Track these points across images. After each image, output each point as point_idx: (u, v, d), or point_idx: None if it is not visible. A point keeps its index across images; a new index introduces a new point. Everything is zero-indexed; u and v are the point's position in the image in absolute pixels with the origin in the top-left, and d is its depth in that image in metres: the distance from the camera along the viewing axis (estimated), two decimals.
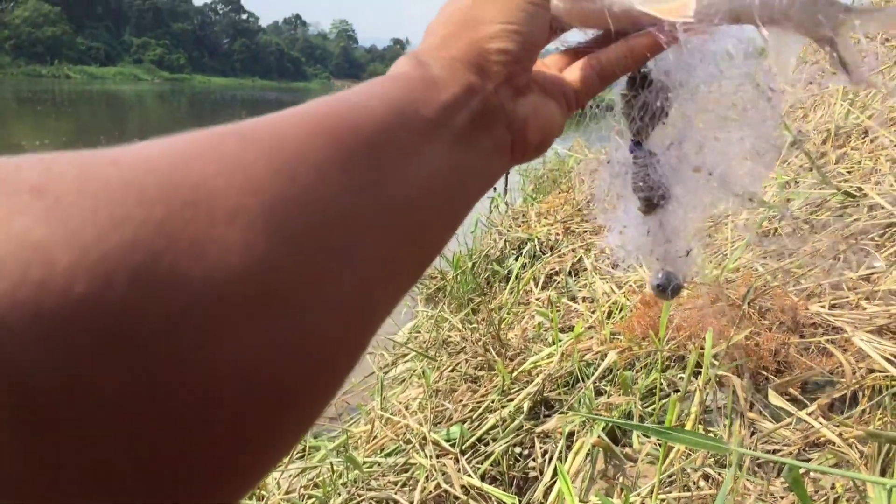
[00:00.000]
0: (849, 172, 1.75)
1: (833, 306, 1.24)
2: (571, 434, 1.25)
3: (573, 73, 0.51)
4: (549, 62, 0.53)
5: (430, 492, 1.31)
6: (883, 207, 1.47)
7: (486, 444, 1.39)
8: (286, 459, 1.85)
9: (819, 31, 0.54)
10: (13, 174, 0.24)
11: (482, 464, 1.33)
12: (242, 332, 0.26)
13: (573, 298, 1.95)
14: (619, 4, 0.52)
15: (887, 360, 1.06)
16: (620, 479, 1.16)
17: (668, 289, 0.65)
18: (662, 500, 1.05)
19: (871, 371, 1.06)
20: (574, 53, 0.53)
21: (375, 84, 0.39)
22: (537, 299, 2.14)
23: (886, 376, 1.03)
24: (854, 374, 1.07)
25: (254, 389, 0.27)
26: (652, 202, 0.59)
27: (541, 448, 1.31)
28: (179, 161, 0.28)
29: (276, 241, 0.28)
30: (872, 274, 1.30)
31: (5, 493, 0.21)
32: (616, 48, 0.52)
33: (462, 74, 0.42)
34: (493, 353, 1.69)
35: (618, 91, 0.57)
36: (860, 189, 1.60)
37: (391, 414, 1.71)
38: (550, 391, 1.42)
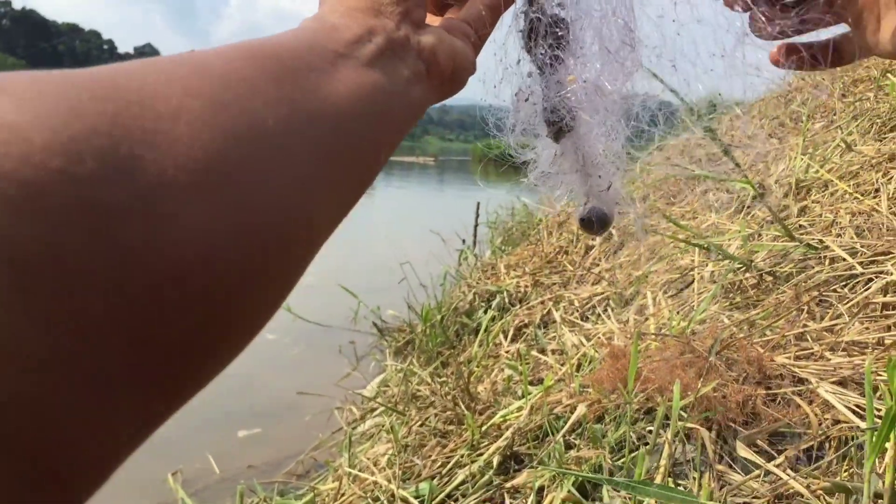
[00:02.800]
0: (810, 225, 1.79)
1: (798, 357, 1.26)
2: (542, 489, 1.23)
3: (466, 12, 0.56)
4: (448, 14, 0.58)
5: None
6: (844, 259, 1.50)
7: (456, 501, 1.36)
8: None
9: None
10: None
11: None
12: (199, 208, 0.29)
13: (542, 351, 1.95)
14: None
15: (852, 410, 1.07)
16: None
17: (591, 221, 0.66)
18: None
19: (837, 422, 1.07)
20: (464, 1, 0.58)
21: (282, 33, 0.43)
22: (507, 352, 2.14)
23: (851, 427, 1.04)
24: (820, 425, 1.07)
25: (214, 258, 0.30)
26: (556, 126, 0.61)
27: None
28: (119, 74, 0.31)
29: (218, 136, 0.31)
30: (835, 325, 1.31)
31: (7, 343, 0.23)
32: None
33: (361, 19, 0.46)
34: (463, 406, 1.68)
35: (515, 27, 0.60)
36: (821, 241, 1.63)
37: (359, 470, 1.69)
38: (520, 445, 1.41)
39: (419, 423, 1.80)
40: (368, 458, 1.77)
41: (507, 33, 0.60)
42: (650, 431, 1.22)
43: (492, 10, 0.57)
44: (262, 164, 0.33)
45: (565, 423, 1.36)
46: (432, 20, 0.56)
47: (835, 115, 2.47)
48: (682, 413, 1.17)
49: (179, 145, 0.29)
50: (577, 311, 2.14)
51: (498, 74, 0.62)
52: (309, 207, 0.37)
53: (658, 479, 1.08)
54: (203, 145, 0.30)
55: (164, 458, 2.38)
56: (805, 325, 1.33)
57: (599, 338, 1.79)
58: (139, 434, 0.29)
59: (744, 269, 1.68)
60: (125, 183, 0.27)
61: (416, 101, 0.48)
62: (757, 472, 1.05)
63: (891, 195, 1.72)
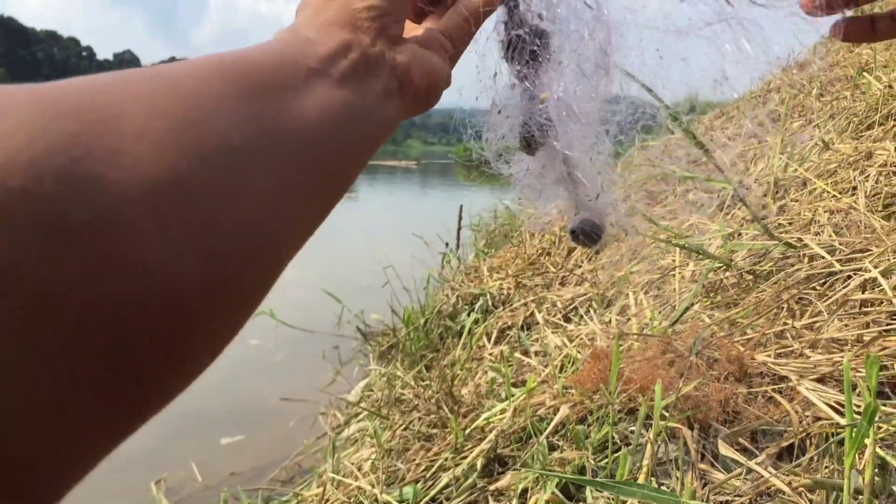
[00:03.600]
0: (789, 223, 1.80)
1: (779, 355, 1.26)
2: (525, 491, 1.23)
3: (443, 23, 0.56)
4: (425, 25, 0.58)
5: None
6: (823, 257, 1.51)
7: None
8: None
9: None
10: None
11: None
12: (164, 227, 0.29)
13: (526, 353, 1.95)
14: None
15: (832, 407, 1.07)
16: None
17: (582, 233, 0.66)
18: None
19: (818, 419, 1.08)
20: (444, 11, 0.58)
21: (257, 46, 0.43)
22: (490, 354, 2.14)
23: (832, 424, 1.04)
24: (801, 422, 1.08)
25: (181, 276, 0.30)
26: (528, 140, 0.61)
27: None
28: (86, 90, 0.31)
29: (184, 155, 0.31)
30: (815, 322, 1.32)
31: None
32: None
33: (337, 33, 0.46)
34: (447, 409, 1.67)
35: (495, 38, 0.60)
36: (800, 240, 1.64)
37: (343, 476, 1.68)
38: (504, 447, 1.41)
39: (403, 427, 1.80)
40: (352, 463, 1.77)
41: (485, 44, 0.60)
42: (633, 431, 1.22)
43: (472, 21, 0.56)
44: (228, 183, 0.33)
45: (548, 424, 1.36)
46: (411, 28, 0.56)
47: (812, 114, 2.49)
48: (665, 412, 1.17)
49: (143, 164, 0.29)
50: (560, 312, 2.14)
51: (475, 85, 0.62)
52: (275, 226, 0.37)
53: (641, 479, 1.09)
54: (167, 165, 0.30)
55: (148, 467, 2.37)
56: (785, 324, 1.34)
57: (582, 339, 1.79)
58: (102, 448, 0.29)
59: (724, 268, 1.69)
60: (85, 201, 0.27)
61: (387, 117, 0.48)
62: (739, 470, 1.05)
63: (868, 193, 1.74)
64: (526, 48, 0.58)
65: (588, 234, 0.65)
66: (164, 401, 0.32)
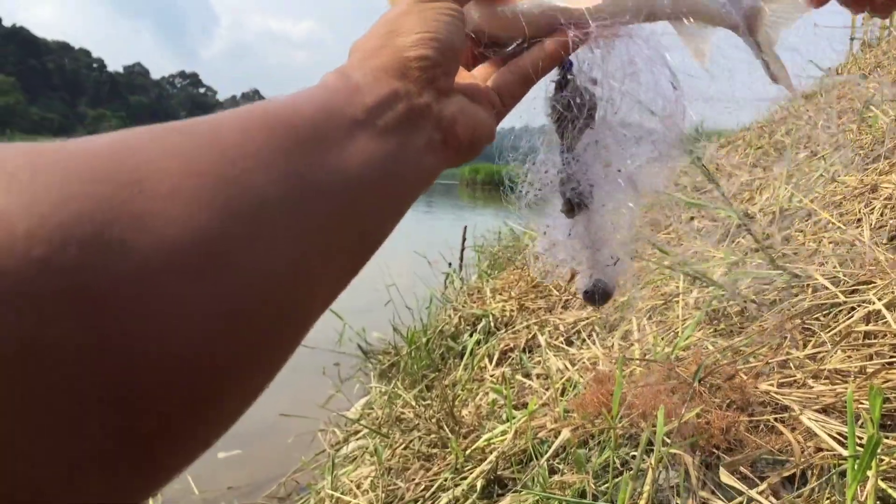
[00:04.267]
0: (794, 253, 1.80)
1: (781, 385, 1.26)
2: None
3: (496, 80, 0.55)
4: (477, 75, 0.56)
5: None
6: (827, 288, 1.51)
7: None
8: None
9: (730, 21, 0.57)
10: None
11: None
12: (191, 292, 0.29)
13: (527, 375, 1.95)
14: (538, 5, 0.54)
15: (834, 438, 1.07)
16: None
17: (594, 294, 0.66)
18: None
19: (819, 450, 1.07)
20: (500, 62, 0.57)
21: (303, 91, 0.42)
22: (492, 376, 2.13)
23: (834, 455, 1.04)
24: (802, 452, 1.08)
25: (205, 342, 0.29)
26: (572, 203, 0.60)
27: None
28: (122, 149, 0.30)
29: (216, 216, 0.31)
30: (818, 353, 1.32)
31: None
32: (532, 51, 0.56)
33: (385, 81, 0.45)
34: (447, 430, 1.67)
35: (545, 97, 0.59)
36: (804, 270, 1.64)
37: (342, 493, 1.68)
38: (504, 469, 1.41)
39: (403, 445, 1.80)
40: (351, 481, 1.76)
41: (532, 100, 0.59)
42: (634, 457, 1.22)
43: (524, 82, 0.55)
44: (261, 244, 0.32)
45: (549, 447, 1.36)
46: (463, 76, 0.55)
47: (818, 145, 2.50)
48: (666, 439, 1.17)
49: (173, 227, 0.29)
50: (563, 335, 2.15)
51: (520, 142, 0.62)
52: (307, 285, 0.36)
53: None
54: (197, 227, 0.30)
55: None
56: (788, 353, 1.34)
57: (584, 363, 1.79)
58: None
59: (727, 296, 1.69)
60: (109, 270, 0.26)
61: (427, 170, 0.47)
62: (740, 499, 1.05)
63: (873, 225, 1.74)
64: (576, 113, 0.57)
65: (602, 296, 0.66)
66: (181, 464, 0.31)
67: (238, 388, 0.33)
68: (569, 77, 0.58)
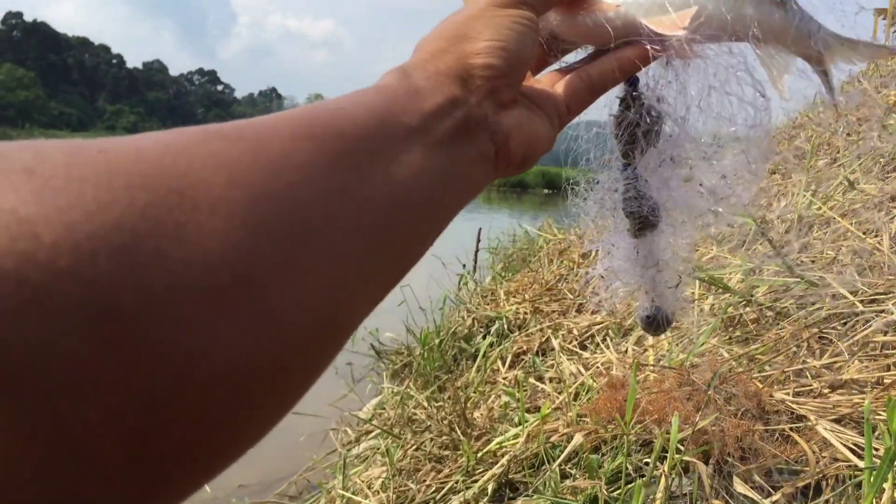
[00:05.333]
0: (812, 261, 1.79)
1: (797, 394, 1.25)
2: None
3: (563, 87, 0.53)
4: (544, 80, 0.54)
5: None
6: (845, 297, 1.50)
7: None
8: None
9: (809, 51, 0.57)
10: (7, 156, 0.26)
11: None
12: (218, 313, 0.27)
13: (540, 378, 1.94)
14: (622, 18, 0.53)
15: (850, 449, 1.06)
16: None
17: (658, 321, 0.64)
18: None
19: (835, 460, 1.07)
20: (568, 71, 0.55)
21: (359, 93, 0.41)
22: (504, 378, 2.13)
23: (849, 466, 1.03)
24: (818, 462, 1.07)
25: (226, 369, 0.28)
26: (644, 221, 0.59)
27: None
28: (166, 153, 0.29)
29: (255, 232, 0.29)
30: (835, 363, 1.31)
31: None
32: (604, 60, 0.54)
33: (446, 86, 0.43)
34: (459, 432, 1.67)
35: (611, 113, 0.58)
36: (822, 278, 1.63)
37: (353, 493, 1.68)
38: (515, 473, 1.40)
39: (414, 447, 1.79)
40: (362, 481, 1.76)
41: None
42: (647, 463, 1.22)
43: (592, 91, 0.53)
44: (298, 263, 0.31)
45: (562, 451, 1.36)
46: (528, 81, 0.52)
47: (838, 153, 2.48)
48: (680, 446, 1.16)
49: (211, 241, 0.27)
50: (576, 339, 2.14)
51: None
52: (344, 303, 0.34)
53: None
54: (236, 242, 0.28)
55: None
56: (804, 362, 1.33)
57: (598, 367, 1.78)
58: None
59: (744, 303, 1.68)
60: (140, 284, 0.25)
61: (475, 182, 0.45)
62: None
63: (893, 234, 1.73)
64: (643, 130, 0.56)
65: (665, 324, 0.65)
66: (200, 484, 0.30)
67: (264, 412, 0.32)
68: (634, 94, 0.57)
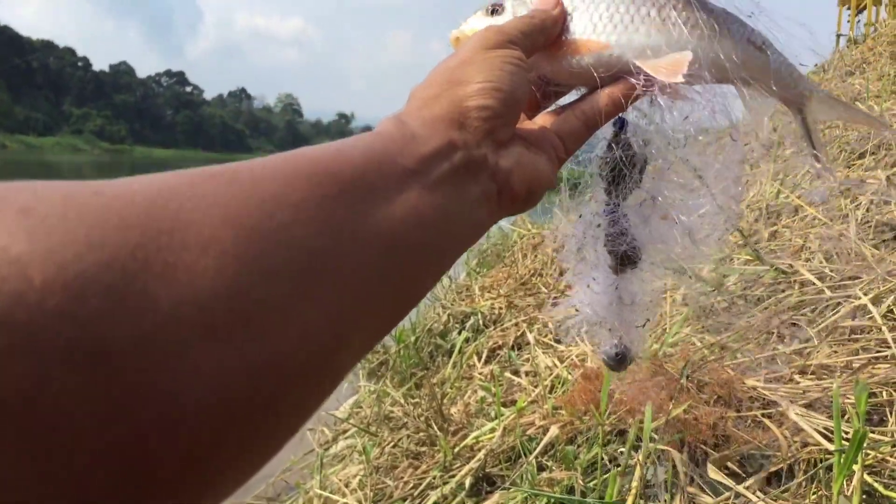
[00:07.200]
0: (781, 249, 1.81)
1: (768, 380, 1.27)
2: None
3: (559, 124, 0.53)
4: (539, 120, 0.55)
5: None
6: (813, 284, 1.52)
7: None
8: None
9: (789, 95, 0.58)
10: (3, 195, 0.26)
11: None
12: (207, 353, 0.27)
13: (516, 372, 1.95)
14: (612, 60, 0.54)
15: (821, 433, 1.08)
16: None
17: (625, 358, 0.65)
18: None
19: (806, 445, 1.08)
20: (562, 110, 0.55)
21: (358, 138, 0.41)
22: (480, 373, 2.13)
23: (820, 450, 1.05)
24: (789, 447, 1.08)
25: (217, 406, 0.28)
26: (625, 258, 0.60)
27: None
28: (158, 195, 0.29)
29: (247, 272, 0.29)
30: (805, 348, 1.33)
31: None
32: (597, 95, 0.54)
33: (443, 131, 0.43)
34: (436, 428, 1.67)
35: (596, 153, 0.59)
36: (791, 266, 1.65)
37: (330, 493, 1.67)
38: (493, 467, 1.41)
39: (392, 444, 1.79)
40: (340, 480, 1.76)
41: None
42: (622, 453, 1.22)
43: (587, 127, 0.54)
44: (291, 301, 0.31)
45: (538, 444, 1.36)
46: (523, 123, 0.53)
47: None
48: (654, 435, 1.17)
49: (202, 280, 0.28)
50: (551, 332, 2.15)
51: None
52: (338, 343, 0.34)
53: (629, 501, 1.08)
54: (227, 282, 0.28)
55: None
56: (775, 349, 1.35)
57: (573, 359, 1.79)
58: None
59: (715, 292, 1.70)
60: (130, 323, 0.25)
61: (479, 222, 0.46)
62: (727, 494, 1.05)
63: (859, 221, 1.75)
64: (628, 171, 0.57)
65: (629, 361, 0.66)
66: None
67: (255, 449, 0.32)
68: (622, 135, 0.57)
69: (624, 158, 0.57)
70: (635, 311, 0.64)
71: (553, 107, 0.58)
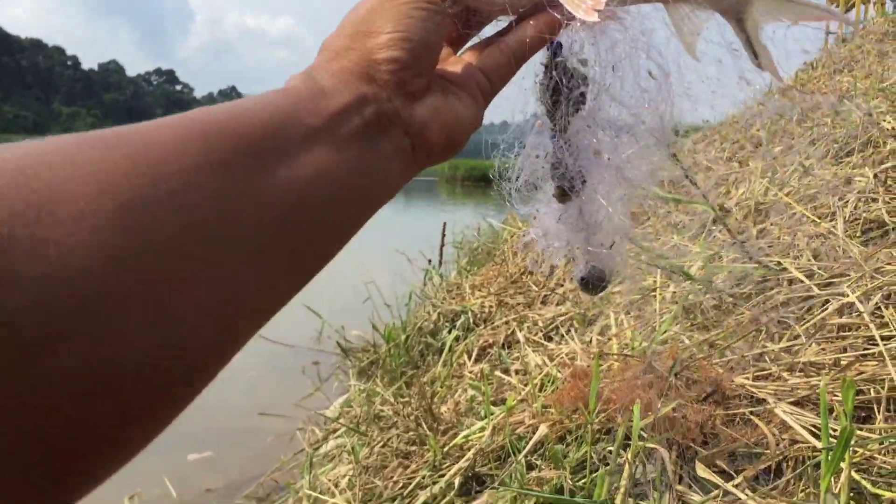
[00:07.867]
0: (769, 247, 1.81)
1: (757, 378, 1.27)
2: None
3: (483, 60, 0.52)
4: (466, 56, 0.53)
5: None
6: (801, 281, 1.52)
7: None
8: None
9: (723, 4, 0.57)
10: None
11: None
12: (83, 338, 0.26)
13: (506, 371, 1.94)
14: None
15: (809, 430, 1.08)
16: None
17: (590, 282, 0.64)
18: None
19: (794, 442, 1.08)
20: (488, 44, 0.53)
21: (262, 95, 0.40)
22: (470, 372, 2.13)
23: (808, 447, 1.05)
24: (778, 445, 1.08)
25: (91, 392, 0.26)
26: (564, 189, 0.59)
27: None
28: (29, 167, 0.27)
29: (129, 241, 0.27)
30: (793, 346, 1.33)
31: None
32: (521, 28, 0.52)
33: (353, 85, 0.42)
34: (426, 427, 1.67)
35: (536, 80, 0.58)
36: (780, 263, 1.65)
37: (320, 492, 1.67)
38: (482, 466, 1.40)
39: (381, 443, 1.79)
40: (329, 480, 1.76)
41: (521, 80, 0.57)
42: (611, 451, 1.22)
43: (515, 60, 0.52)
44: (183, 270, 0.29)
45: (527, 443, 1.36)
46: (447, 61, 0.52)
47: (793, 139, 2.51)
48: (643, 433, 1.17)
49: (75, 257, 0.26)
50: (541, 331, 2.15)
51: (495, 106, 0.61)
52: (238, 309, 0.33)
53: (618, 500, 1.08)
54: (105, 254, 0.26)
55: (118, 483, 2.33)
56: (763, 346, 1.35)
57: (562, 358, 1.79)
58: None
59: (704, 290, 1.70)
60: None
61: (393, 178, 0.44)
62: (716, 492, 1.05)
63: (847, 218, 1.76)
64: (566, 95, 0.56)
65: (596, 283, 0.65)
66: (89, 488, 0.29)
67: (151, 419, 0.30)
68: (557, 59, 0.56)
69: (562, 81, 0.56)
70: (598, 234, 0.63)
71: (477, 39, 0.57)
